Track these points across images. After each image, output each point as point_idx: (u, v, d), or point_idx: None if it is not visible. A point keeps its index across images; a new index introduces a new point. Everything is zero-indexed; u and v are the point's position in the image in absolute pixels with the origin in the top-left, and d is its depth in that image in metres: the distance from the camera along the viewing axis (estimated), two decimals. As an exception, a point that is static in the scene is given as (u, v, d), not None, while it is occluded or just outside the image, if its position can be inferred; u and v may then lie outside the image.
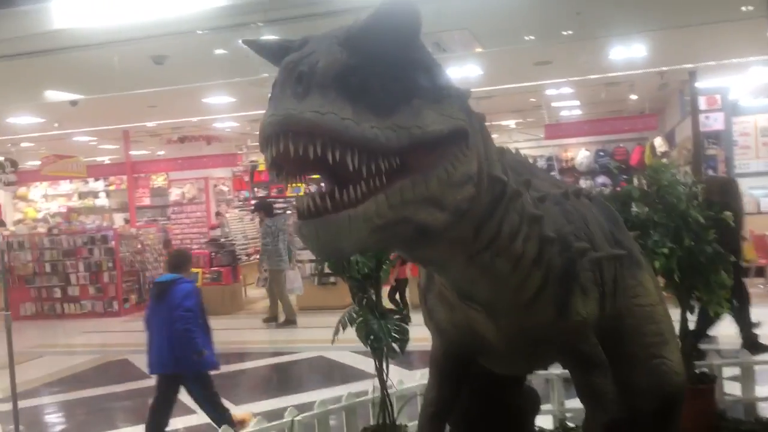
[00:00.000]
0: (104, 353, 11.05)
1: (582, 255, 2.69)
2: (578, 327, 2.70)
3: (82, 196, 25.09)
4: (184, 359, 5.56)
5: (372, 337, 5.63)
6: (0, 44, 8.17)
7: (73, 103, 11.91)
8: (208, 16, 8.02)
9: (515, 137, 19.59)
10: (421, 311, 3.03)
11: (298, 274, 12.51)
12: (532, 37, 9.69)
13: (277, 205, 16.26)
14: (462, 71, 11.51)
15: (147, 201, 22.86)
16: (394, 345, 5.18)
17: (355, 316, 5.92)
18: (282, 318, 12.20)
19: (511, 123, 19.31)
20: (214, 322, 12.61)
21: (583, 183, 19.07)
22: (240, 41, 2.09)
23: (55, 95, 11.32)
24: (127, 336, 12.65)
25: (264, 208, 12.61)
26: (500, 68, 11.97)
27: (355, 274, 5.27)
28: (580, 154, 19.62)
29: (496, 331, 2.65)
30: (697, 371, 5.07)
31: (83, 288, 15.13)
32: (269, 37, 2.13)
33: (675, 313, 4.92)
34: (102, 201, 24.89)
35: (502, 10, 8.36)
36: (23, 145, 17.91)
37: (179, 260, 6.07)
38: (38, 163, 18.88)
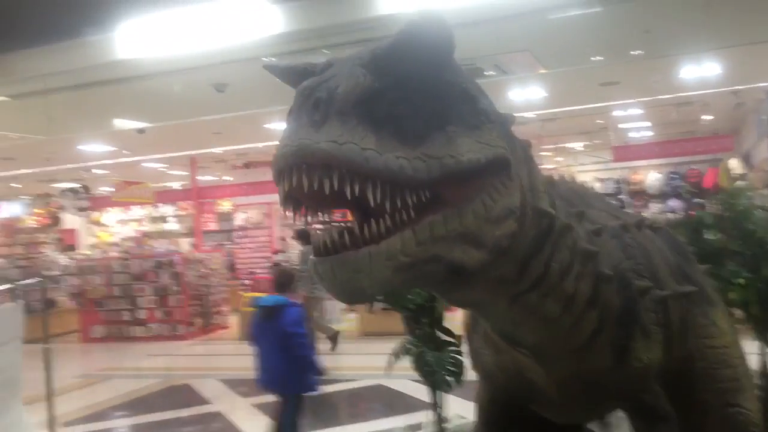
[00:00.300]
0: (167, 377, 11.13)
1: (643, 294, 2.44)
2: (640, 374, 2.44)
3: (153, 220, 25.74)
4: (293, 381, 5.79)
5: (427, 368, 5.47)
6: (68, 74, 8.37)
7: (141, 131, 12.18)
8: (270, 42, 8.06)
9: (581, 160, 19.05)
10: (468, 352, 2.82)
11: (336, 305, 12.73)
12: (600, 58, 9.40)
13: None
14: (524, 93, 11.25)
15: (213, 226, 23.25)
16: (449, 378, 4.98)
17: (409, 346, 5.76)
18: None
19: (578, 145, 18.80)
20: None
21: (654, 206, 18.39)
22: (262, 66, 1.93)
23: (122, 123, 11.61)
24: (190, 360, 12.79)
25: (302, 236, 12.85)
26: (564, 89, 11.66)
27: (407, 305, 5.11)
28: (651, 177, 18.92)
29: (546, 377, 2.41)
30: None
31: (150, 311, 15.39)
32: (291, 60, 1.99)
33: (752, 348, 4.57)
34: (171, 226, 25.46)
35: (565, 30, 8.12)
36: (96, 171, 18.46)
37: (284, 279, 6.25)
38: (110, 189, 19.45)
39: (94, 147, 15.04)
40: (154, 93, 9.63)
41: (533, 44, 8.65)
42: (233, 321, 15.40)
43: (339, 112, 1.58)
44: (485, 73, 9.33)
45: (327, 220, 1.74)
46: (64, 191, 19.10)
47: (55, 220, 23.34)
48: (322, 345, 12.11)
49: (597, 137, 17.30)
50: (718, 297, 3.14)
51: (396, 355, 5.84)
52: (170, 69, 8.73)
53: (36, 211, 22.44)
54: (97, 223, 25.92)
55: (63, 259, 18.48)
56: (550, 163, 18.92)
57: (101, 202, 21.85)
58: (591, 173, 19.93)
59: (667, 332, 2.56)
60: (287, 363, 5.72)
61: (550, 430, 3.08)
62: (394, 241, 1.64)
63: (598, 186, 20.32)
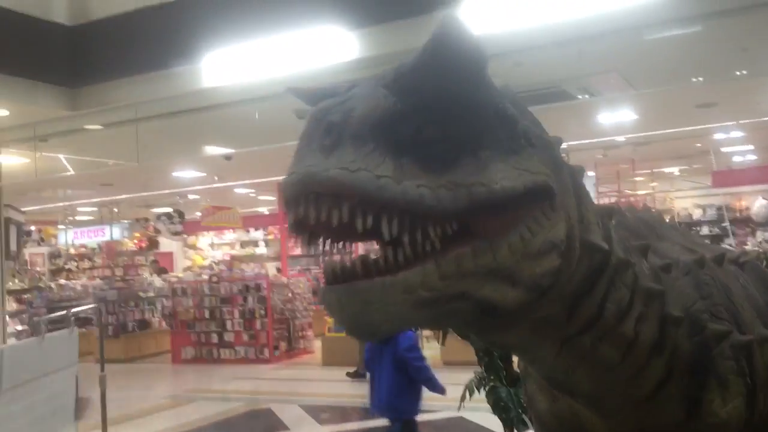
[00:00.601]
0: (251, 401, 11.22)
1: (720, 339, 2.15)
2: (715, 431, 2.16)
3: (243, 245, 26.42)
4: (406, 406, 5.85)
5: (501, 405, 5.22)
6: (157, 103, 8.65)
7: (227, 157, 12.48)
8: (348, 68, 8.06)
9: (678, 185, 18.18)
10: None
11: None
12: (700, 79, 8.92)
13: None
14: (614, 116, 10.82)
15: (299, 250, 23.54)
16: (524, 416, 4.73)
17: (483, 380, 5.53)
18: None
19: (675, 170, 17.96)
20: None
21: (761, 235, 17.31)
22: (286, 89, 1.80)
23: (211, 150, 11.93)
24: (273, 384, 12.87)
25: None
26: (657, 112, 11.14)
27: (480, 337, 4.89)
28: (757, 203, 17.84)
29: (607, 430, 2.17)
30: None
31: (238, 334, 15.64)
32: (316, 83, 1.86)
33: None
34: (261, 250, 26.04)
35: (655, 50, 7.74)
36: (190, 197, 19.11)
37: None
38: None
39: (186, 173, 15.56)
40: (239, 120, 9.83)
41: (622, 65, 8.29)
42: (317, 346, 15.44)
43: (353, 136, 1.42)
44: (573, 95, 9.03)
45: (343, 249, 1.56)
46: (159, 216, 19.85)
47: (153, 244, 24.32)
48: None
49: (696, 161, 16.46)
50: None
51: (470, 389, 5.63)
52: (254, 96, 8.88)
53: (135, 234, 23.44)
54: (193, 247, 26.86)
55: (158, 281, 19.14)
56: (644, 188, 18.15)
57: (194, 227, 22.57)
58: (690, 199, 19.01)
59: (751, 383, 2.25)
60: (402, 387, 5.76)
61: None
62: (414, 273, 1.46)
63: (697, 213, 19.36)
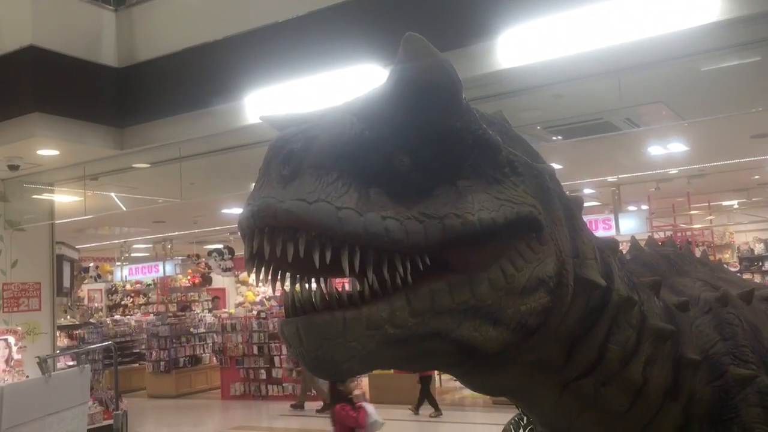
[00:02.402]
0: (295, 438, 11.15)
1: (744, 383, 1.97)
2: None
3: (295, 280, 26.52)
4: None
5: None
6: (201, 141, 8.79)
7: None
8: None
9: (737, 219, 17.54)
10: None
11: None
12: (759, 109, 8.59)
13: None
14: (664, 148, 10.52)
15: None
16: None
17: (520, 422, 5.33)
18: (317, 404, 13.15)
19: (733, 203, 17.35)
20: (406, 413, 12.41)
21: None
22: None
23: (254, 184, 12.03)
24: (320, 422, 12.75)
25: None
26: (710, 143, 10.79)
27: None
28: (823, 237, 17.09)
29: None
30: None
31: (286, 370, 15.63)
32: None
33: None
34: (313, 285, 26.08)
35: (702, 79, 7.50)
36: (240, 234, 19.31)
37: None
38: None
39: (234, 210, 15.77)
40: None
41: (667, 95, 8.05)
42: (365, 383, 15.29)
43: (315, 166, 1.35)
44: (618, 127, 8.80)
45: (307, 282, 1.47)
46: (210, 252, 20.15)
47: (207, 280, 24.65)
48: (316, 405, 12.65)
49: (755, 194, 15.87)
50: None
51: (507, 430, 5.42)
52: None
53: (188, 270, 23.83)
54: (244, 283, 27.12)
55: (209, 317, 19.35)
56: (699, 222, 17.57)
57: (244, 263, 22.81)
58: (750, 233, 18.31)
59: None
60: None
61: None
62: (380, 308, 1.35)
63: (759, 247, 18.61)
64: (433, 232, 1.37)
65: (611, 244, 1.89)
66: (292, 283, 1.44)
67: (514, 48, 6.74)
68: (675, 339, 1.88)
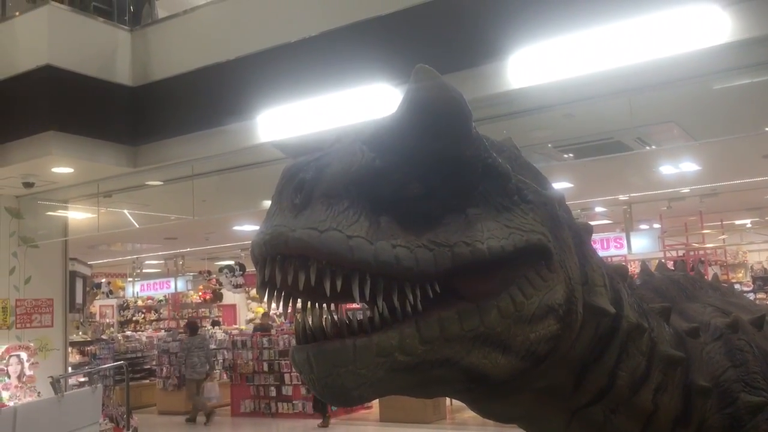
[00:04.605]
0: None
1: (755, 411, 1.96)
2: None
3: (305, 297, 26.51)
4: None
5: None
6: (214, 159, 8.86)
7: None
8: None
9: (750, 238, 17.43)
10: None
11: (215, 386, 15.60)
12: (759, 129, 8.58)
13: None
14: (676, 167, 10.50)
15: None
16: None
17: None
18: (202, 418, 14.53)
19: (746, 222, 17.25)
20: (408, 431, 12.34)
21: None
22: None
23: (267, 204, 12.09)
24: (327, 438, 12.73)
25: (189, 327, 16.11)
26: (721, 163, 10.77)
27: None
28: (837, 257, 16.94)
29: None
30: None
31: (296, 388, 15.55)
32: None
33: None
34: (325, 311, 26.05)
35: (713, 99, 7.50)
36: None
37: None
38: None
39: (246, 227, 15.84)
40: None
41: (679, 114, 8.05)
42: (375, 402, 15.23)
43: (326, 194, 1.37)
44: (629, 146, 8.81)
45: (319, 309, 1.48)
46: (221, 269, 20.20)
47: (218, 296, 24.69)
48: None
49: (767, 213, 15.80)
50: None
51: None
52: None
53: (200, 287, 23.88)
54: (256, 299, 27.13)
55: (219, 333, 19.34)
56: (712, 241, 17.47)
57: (254, 280, 22.84)
58: (764, 252, 18.17)
59: None
60: None
61: None
62: (390, 335, 1.37)
63: (772, 267, 18.48)
64: (443, 260, 1.39)
65: (621, 271, 1.90)
66: (303, 310, 1.46)
67: (525, 68, 6.77)
68: (685, 366, 1.88)
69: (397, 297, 1.37)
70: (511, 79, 6.91)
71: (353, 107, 7.79)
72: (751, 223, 17.35)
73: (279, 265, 1.35)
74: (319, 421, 13.89)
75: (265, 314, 20.90)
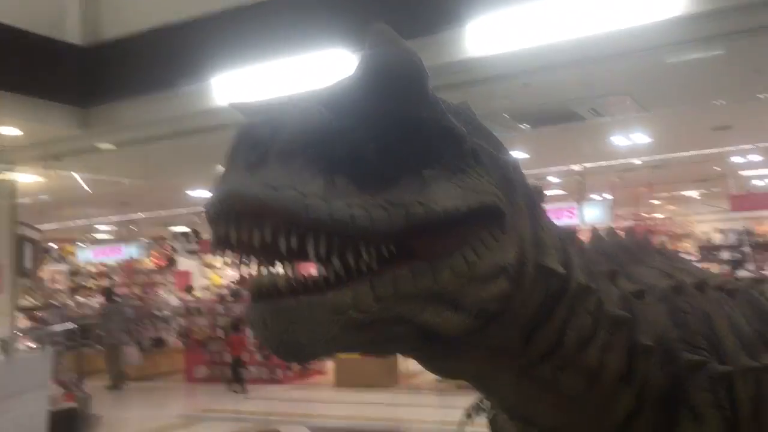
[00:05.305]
0: (260, 422, 11.15)
1: (695, 369, 2.04)
2: None
3: (262, 264, 26.46)
4: None
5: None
6: (168, 122, 8.70)
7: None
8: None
9: (697, 209, 17.93)
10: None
11: (135, 351, 15.54)
12: (722, 102, 8.77)
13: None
14: (627, 139, 10.70)
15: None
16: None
17: (482, 405, 5.42)
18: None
19: (694, 193, 17.71)
20: (370, 396, 12.53)
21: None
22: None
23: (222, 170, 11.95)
24: (284, 405, 12.80)
25: (105, 294, 16.47)
26: (673, 134, 11.00)
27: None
28: (779, 228, 17.56)
29: None
30: None
31: (251, 354, 15.58)
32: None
33: None
34: (280, 269, 26.05)
35: (666, 72, 7.63)
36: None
37: None
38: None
39: (201, 192, 15.64)
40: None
41: (633, 86, 8.18)
42: (330, 366, 15.36)
43: (282, 153, 1.36)
44: (583, 117, 8.94)
45: (274, 267, 1.49)
46: (175, 235, 19.97)
47: (172, 263, 24.44)
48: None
49: (714, 185, 16.23)
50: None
51: (468, 414, 5.52)
52: (264, 117, 8.89)
53: (153, 253, 23.59)
54: (211, 266, 26.94)
55: (174, 300, 19.20)
56: (662, 211, 17.91)
57: (209, 246, 22.65)
58: (710, 223, 18.71)
59: (732, 416, 2.14)
60: None
61: None
62: (345, 293, 1.38)
63: (718, 238, 19.03)
64: (398, 219, 1.40)
65: (570, 234, 1.94)
66: (258, 268, 1.46)
67: (483, 36, 6.78)
68: (630, 326, 1.94)
69: (352, 256, 1.38)
70: (469, 47, 6.92)
71: (309, 72, 7.72)
72: (699, 194, 17.83)
73: (234, 222, 1.34)
74: (237, 386, 14.15)
75: (243, 278, 20.81)
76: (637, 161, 12.54)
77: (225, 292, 19.02)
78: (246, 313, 1.47)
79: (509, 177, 1.70)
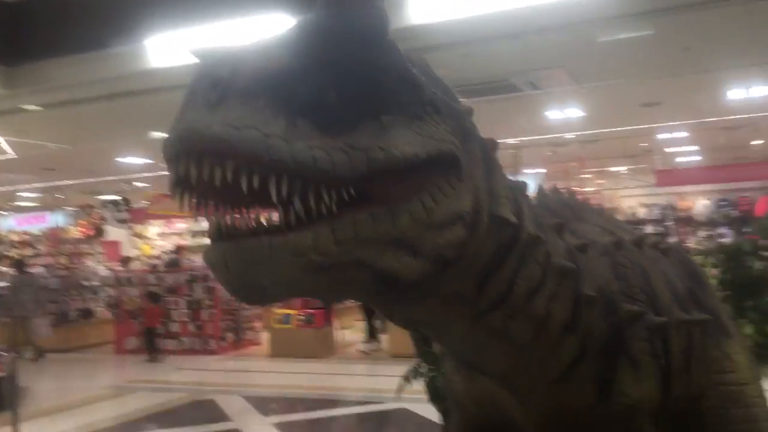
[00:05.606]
0: (194, 392, 11.05)
1: (633, 320, 2.15)
2: (628, 412, 2.13)
3: (194, 234, 26.03)
4: None
5: (437, 394, 5.21)
6: (97, 85, 8.41)
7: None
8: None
9: (625, 183, 18.53)
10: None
11: (45, 321, 15.29)
12: (651, 77, 9.04)
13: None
14: (561, 113, 10.94)
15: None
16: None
17: (420, 370, 5.51)
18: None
19: (622, 169, 18.29)
20: (306, 366, 12.58)
21: (703, 234, 17.74)
22: (190, 51, 1.70)
23: (155, 135, 11.67)
24: (218, 375, 12.70)
25: (16, 265, 15.95)
26: (604, 110, 11.31)
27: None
28: (699, 204, 18.31)
29: (522, 411, 2.14)
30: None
31: (183, 325, 15.38)
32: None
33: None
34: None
35: (601, 47, 7.82)
36: (138, 185, 18.72)
37: None
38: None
39: (132, 159, 15.24)
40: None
41: (568, 61, 8.36)
42: (265, 337, 15.31)
43: (242, 91, 1.34)
44: (521, 89, 9.09)
45: (231, 212, 1.47)
46: (104, 203, 19.41)
47: (99, 232, 23.73)
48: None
49: (641, 161, 16.80)
50: (735, 328, 2.82)
51: (407, 378, 5.60)
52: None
53: (80, 222, 22.86)
54: (140, 236, 26.33)
55: (102, 270, 18.71)
56: (591, 185, 18.43)
57: (142, 215, 22.14)
58: (636, 198, 19.35)
59: (666, 365, 2.26)
60: None
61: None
62: (305, 235, 1.38)
63: (643, 212, 19.75)
64: (359, 164, 1.40)
65: (521, 186, 2.00)
66: (216, 211, 1.45)
67: (424, 4, 6.79)
68: (575, 277, 2.02)
69: (313, 198, 1.38)
70: (411, 14, 6.92)
71: (247, 37, 7.57)
72: (626, 169, 18.41)
73: (195, 161, 1.32)
74: (146, 356, 14.22)
75: (180, 248, 20.44)
76: (570, 136, 12.85)
77: (157, 262, 18.65)
78: (206, 255, 1.45)
79: (465, 126, 1.73)
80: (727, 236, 16.42)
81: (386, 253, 1.48)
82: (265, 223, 1.42)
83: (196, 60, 1.64)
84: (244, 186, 1.31)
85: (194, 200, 1.42)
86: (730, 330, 2.73)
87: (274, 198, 1.34)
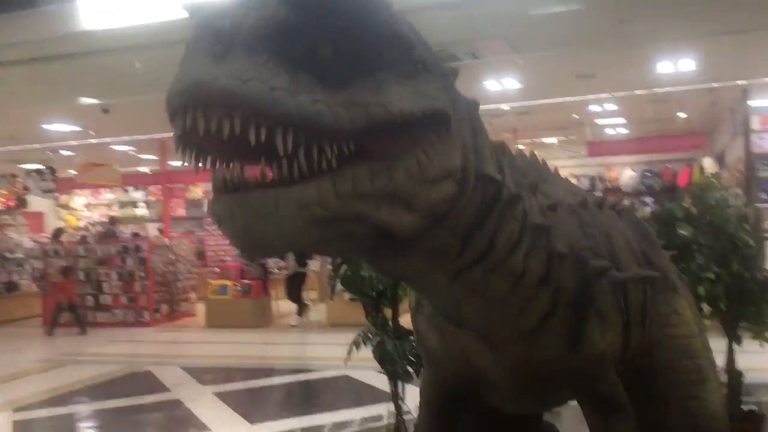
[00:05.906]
0: (130, 364, 10.88)
1: (600, 274, 2.26)
2: (595, 361, 2.27)
3: (122, 205, 25.35)
4: None
5: (386, 358, 5.30)
6: (24, 46, 8.05)
7: (105, 110, 11.81)
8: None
9: (557, 154, 19.00)
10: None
11: None
12: (586, 48, 9.22)
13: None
14: (500, 84, 11.09)
15: (183, 212, 22.93)
16: (410, 368, 4.84)
17: (369, 335, 5.59)
18: None
19: (554, 140, 18.73)
20: (243, 336, 12.54)
21: (627, 203, 18.39)
22: (182, 6, 1.67)
23: (85, 101, 11.25)
24: (154, 347, 12.53)
25: None
26: (540, 80, 11.51)
27: (368, 291, 4.95)
28: (625, 175, 18.96)
29: (495, 364, 2.23)
30: (744, 408, 4.61)
31: (115, 297, 15.06)
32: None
33: (721, 344, 4.48)
34: (142, 211, 25.09)
35: (540, 17, 7.95)
36: (63, 153, 18.02)
37: None
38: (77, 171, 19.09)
39: (59, 126, 14.65)
40: (118, 69, 9.27)
41: (508, 31, 8.46)
42: (200, 309, 15.15)
43: (246, 44, 1.35)
44: (460, 58, 9.15)
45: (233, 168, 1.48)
46: (29, 172, 18.63)
47: (22, 202, 22.80)
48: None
49: (572, 132, 17.24)
50: (683, 285, 2.99)
51: (356, 344, 5.67)
52: (137, 44, 8.39)
53: (1, 191, 21.90)
54: (66, 207, 25.46)
55: (27, 241, 18.06)
56: (525, 156, 18.80)
57: (68, 185, 21.38)
58: (567, 169, 19.86)
59: (626, 318, 2.39)
60: None
61: (501, 421, 2.91)
62: (309, 188, 1.41)
63: (574, 182, 20.30)
64: (359, 119, 1.43)
65: (501, 145, 2.07)
66: (219, 165, 1.45)
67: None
68: (549, 234, 2.10)
69: (316, 152, 1.40)
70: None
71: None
72: (558, 141, 18.86)
73: (201, 113, 1.31)
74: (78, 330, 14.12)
75: (114, 219, 19.84)
76: (506, 107, 13.04)
77: (86, 233, 18.11)
78: (211, 208, 1.45)
79: (452, 87, 1.78)
80: (650, 206, 17.11)
81: (383, 207, 1.51)
82: (269, 177, 1.43)
83: (186, 15, 1.62)
84: (251, 138, 1.31)
85: (197, 156, 1.42)
86: (678, 287, 2.90)
87: (280, 150, 1.34)
